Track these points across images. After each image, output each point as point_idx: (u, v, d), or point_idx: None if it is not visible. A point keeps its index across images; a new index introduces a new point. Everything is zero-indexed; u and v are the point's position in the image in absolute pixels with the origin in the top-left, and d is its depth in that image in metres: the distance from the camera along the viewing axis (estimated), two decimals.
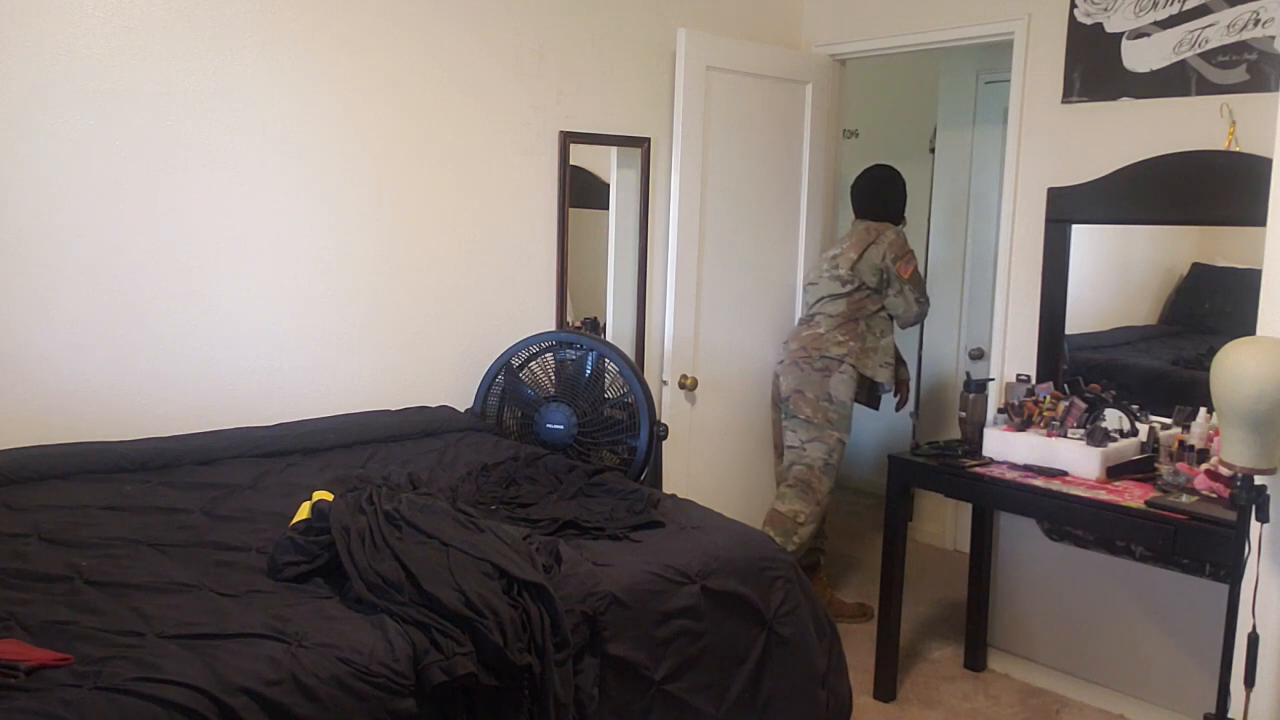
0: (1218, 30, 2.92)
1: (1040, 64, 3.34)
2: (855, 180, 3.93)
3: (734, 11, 3.92)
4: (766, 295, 3.97)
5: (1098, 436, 2.90)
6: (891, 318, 3.81)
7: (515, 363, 3.27)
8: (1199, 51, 2.96)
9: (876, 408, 3.96)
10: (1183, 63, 3.00)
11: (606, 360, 3.20)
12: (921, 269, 4.81)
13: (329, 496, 2.16)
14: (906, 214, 3.94)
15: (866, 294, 3.74)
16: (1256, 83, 2.85)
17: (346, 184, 3.04)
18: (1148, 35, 3.07)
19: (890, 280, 3.73)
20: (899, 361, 3.88)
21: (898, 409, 4.11)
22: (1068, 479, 2.88)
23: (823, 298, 3.79)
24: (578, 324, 3.67)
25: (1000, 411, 3.25)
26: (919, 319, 3.86)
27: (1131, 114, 3.12)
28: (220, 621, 1.72)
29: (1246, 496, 2.16)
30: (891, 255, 3.71)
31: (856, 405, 3.82)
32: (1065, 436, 2.97)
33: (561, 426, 3.10)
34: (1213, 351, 2.19)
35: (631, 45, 3.63)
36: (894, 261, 3.71)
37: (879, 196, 3.87)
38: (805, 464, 3.73)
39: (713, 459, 3.85)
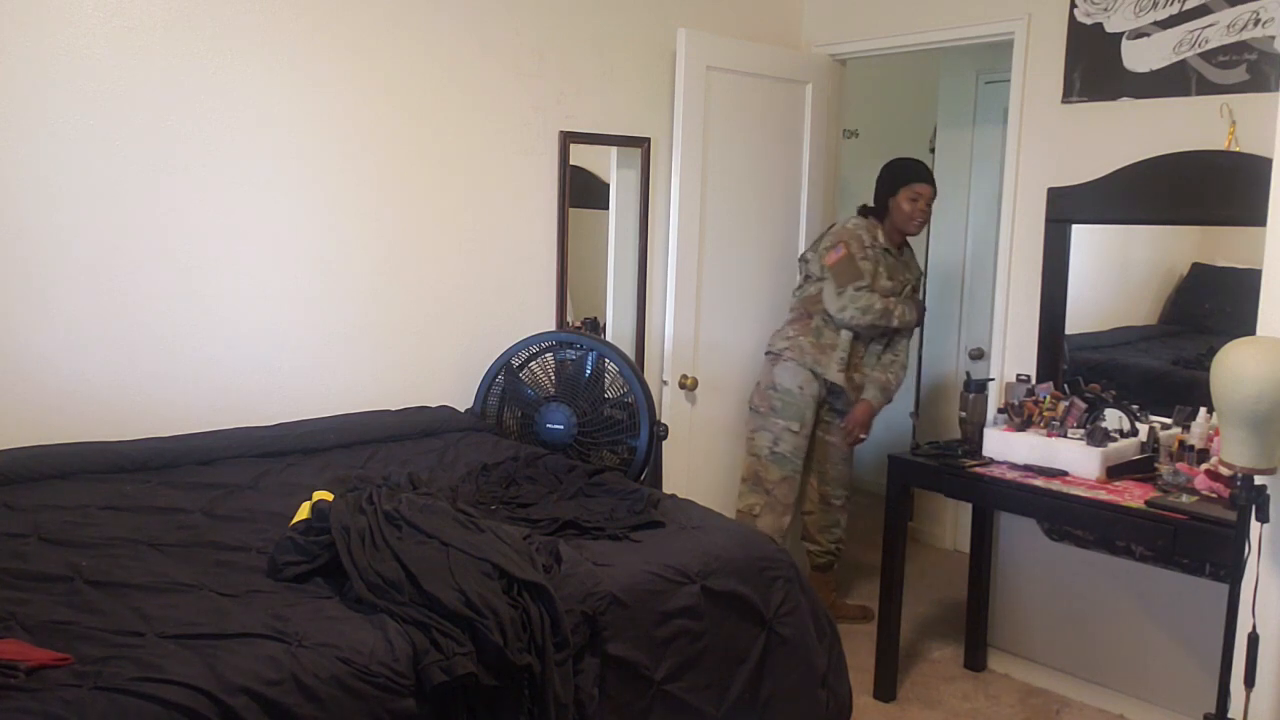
0: (1218, 30, 2.92)
1: (1040, 64, 3.33)
2: None
3: (734, 11, 3.92)
4: (767, 295, 3.97)
5: (1098, 436, 2.90)
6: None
7: (515, 363, 3.27)
8: (1199, 51, 2.96)
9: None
10: (1183, 63, 3.00)
11: (606, 360, 3.20)
12: (921, 269, 4.83)
13: (329, 496, 2.16)
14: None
15: (820, 287, 3.67)
16: (1256, 83, 2.85)
17: (346, 184, 3.04)
18: (1148, 35, 3.07)
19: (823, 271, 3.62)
20: (881, 373, 3.67)
21: (847, 438, 3.77)
22: (1068, 479, 2.88)
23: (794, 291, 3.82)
24: (578, 324, 3.67)
25: (1000, 411, 3.24)
26: (853, 322, 3.54)
27: (1131, 114, 3.11)
28: (220, 621, 1.72)
29: (1246, 496, 2.16)
30: (828, 242, 3.64)
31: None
32: (1065, 436, 2.97)
33: (561, 426, 3.10)
34: (1213, 351, 2.18)
35: (631, 45, 3.63)
36: (827, 250, 3.62)
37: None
38: (753, 454, 3.73)
39: (713, 459, 3.85)
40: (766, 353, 3.79)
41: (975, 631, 3.52)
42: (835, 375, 3.62)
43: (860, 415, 3.70)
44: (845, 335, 3.63)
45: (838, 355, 3.62)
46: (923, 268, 4.80)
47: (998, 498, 3.03)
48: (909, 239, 3.78)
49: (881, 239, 3.66)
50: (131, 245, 2.68)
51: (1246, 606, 2.21)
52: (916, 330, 4.77)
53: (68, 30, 2.53)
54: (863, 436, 3.77)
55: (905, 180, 3.65)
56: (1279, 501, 2.23)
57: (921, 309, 3.81)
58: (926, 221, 3.71)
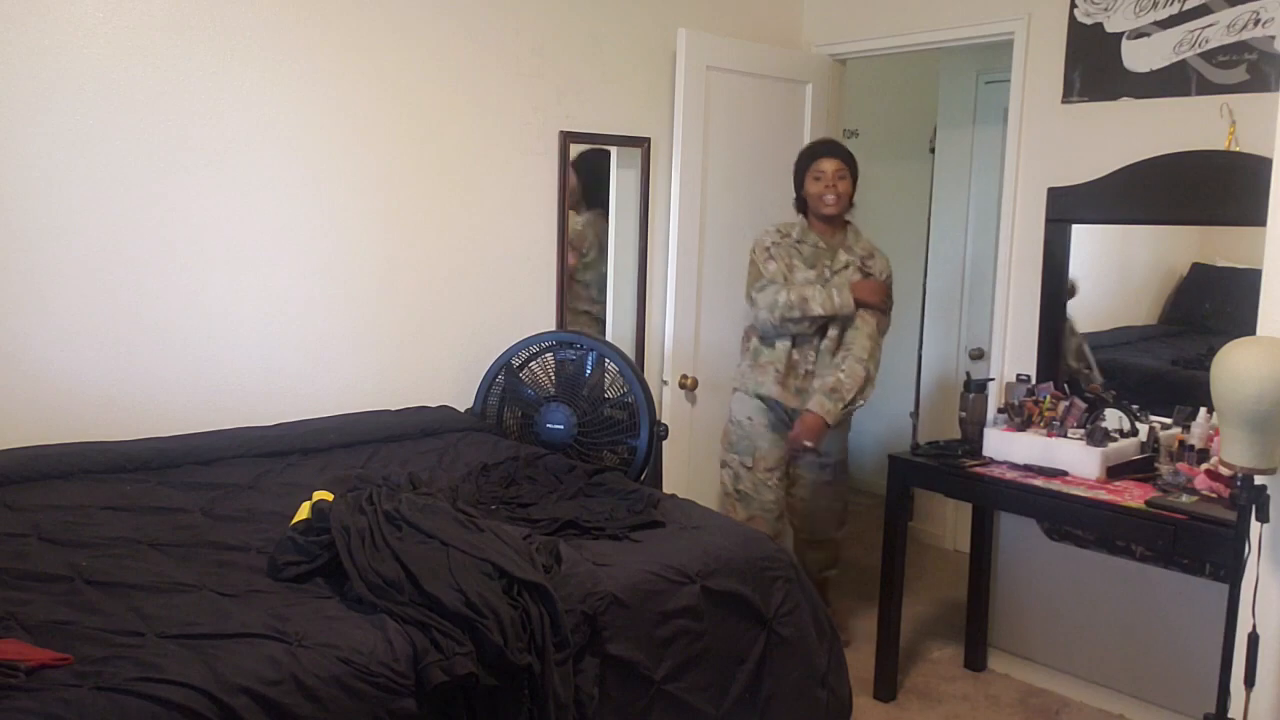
0: (1218, 30, 2.92)
1: (1040, 64, 3.33)
2: None
3: (734, 11, 3.92)
4: None
5: (1098, 436, 2.90)
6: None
7: (515, 363, 3.27)
8: (1199, 51, 2.96)
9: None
10: (1183, 63, 3.00)
11: (606, 360, 3.20)
12: (921, 270, 4.83)
13: (329, 496, 2.16)
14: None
15: None
16: (1256, 83, 2.85)
17: (346, 184, 3.04)
18: (1148, 35, 3.07)
19: None
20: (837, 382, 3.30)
21: (788, 447, 3.45)
22: (1068, 479, 2.88)
23: None
24: None
25: (1000, 411, 3.24)
26: (769, 323, 3.35)
27: (1131, 114, 3.11)
28: (220, 621, 1.72)
29: (1246, 496, 2.16)
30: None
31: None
32: (1065, 436, 2.97)
33: (561, 426, 3.10)
34: (1213, 351, 2.18)
35: (631, 45, 3.63)
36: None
37: None
38: (723, 490, 3.60)
39: (713, 459, 3.84)
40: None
41: (975, 631, 3.52)
42: (770, 389, 3.38)
43: (806, 427, 3.30)
44: (780, 348, 3.40)
45: (772, 370, 3.39)
46: (922, 268, 4.82)
47: (998, 498, 3.03)
48: (851, 222, 3.51)
49: (797, 233, 3.45)
50: (131, 245, 2.68)
51: (1246, 606, 2.20)
52: (916, 329, 4.79)
53: (68, 30, 2.53)
54: (808, 444, 3.31)
55: (805, 164, 3.47)
56: (1279, 501, 2.23)
57: (882, 288, 3.41)
58: (842, 197, 3.38)
